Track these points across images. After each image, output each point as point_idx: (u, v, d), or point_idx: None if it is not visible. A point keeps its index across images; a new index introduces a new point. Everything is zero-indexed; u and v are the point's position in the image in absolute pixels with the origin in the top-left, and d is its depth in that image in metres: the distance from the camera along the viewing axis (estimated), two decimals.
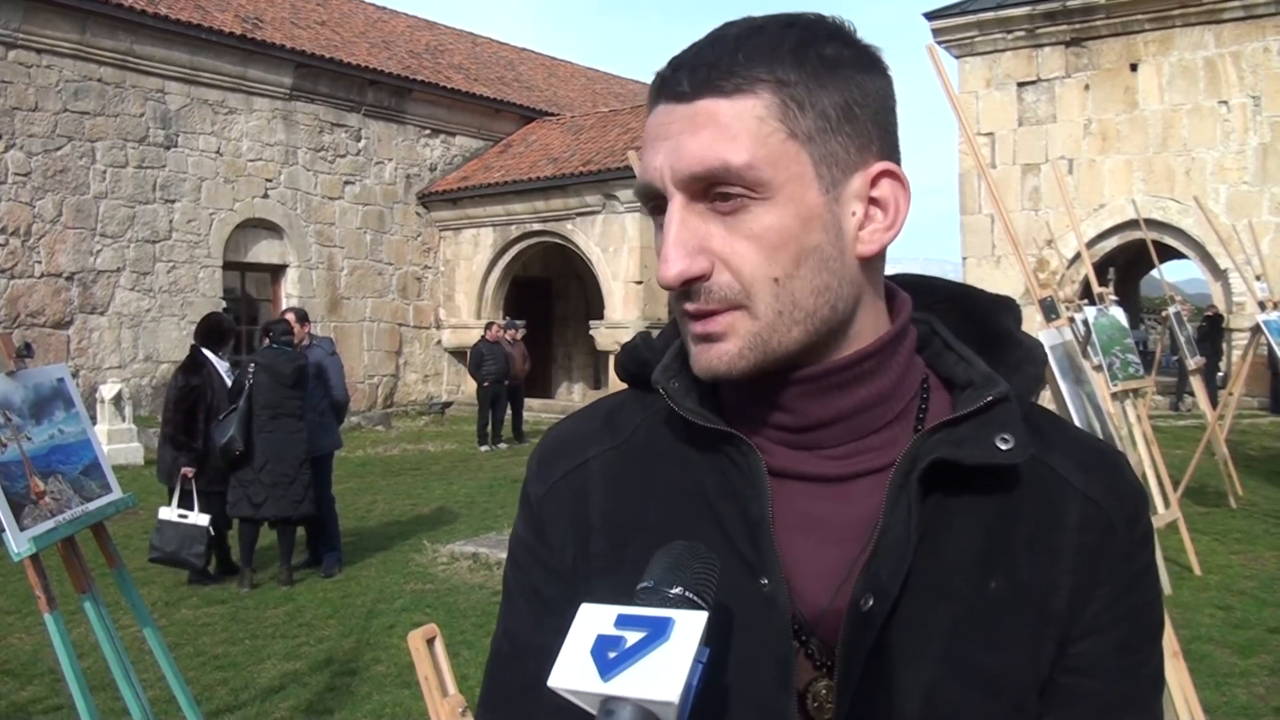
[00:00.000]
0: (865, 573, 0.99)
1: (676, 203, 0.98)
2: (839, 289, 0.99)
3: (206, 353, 8.51)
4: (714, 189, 0.96)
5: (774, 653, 1.00)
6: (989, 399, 1.02)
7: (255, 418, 8.15)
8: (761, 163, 0.95)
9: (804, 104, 0.96)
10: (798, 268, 0.97)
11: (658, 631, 0.83)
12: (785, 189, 0.96)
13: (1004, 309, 1.14)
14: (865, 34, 1.03)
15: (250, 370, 8.28)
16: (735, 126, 0.95)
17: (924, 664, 1.00)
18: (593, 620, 0.86)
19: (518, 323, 19.22)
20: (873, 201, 1.01)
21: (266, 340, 8.67)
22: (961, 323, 1.13)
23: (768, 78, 0.95)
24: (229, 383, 8.47)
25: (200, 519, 7.76)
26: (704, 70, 0.96)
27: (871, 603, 0.98)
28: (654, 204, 1.01)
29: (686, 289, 0.99)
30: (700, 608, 0.86)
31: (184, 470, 8.06)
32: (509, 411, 18.40)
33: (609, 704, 0.81)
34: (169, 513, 7.79)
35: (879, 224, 1.01)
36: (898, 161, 1.03)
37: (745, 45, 0.97)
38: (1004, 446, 1.00)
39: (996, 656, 1.00)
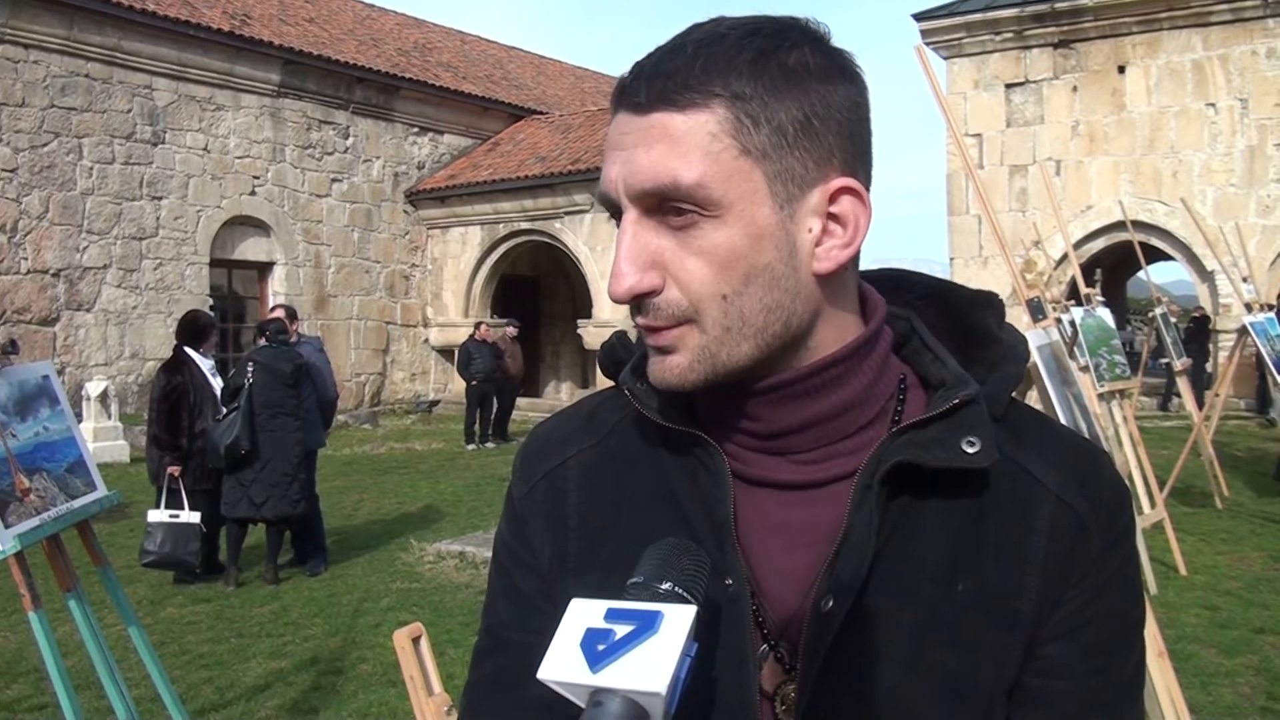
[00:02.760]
0: (828, 574, 0.99)
1: (629, 217, 0.97)
2: (791, 306, 0.98)
3: (189, 351, 8.47)
4: (666, 203, 0.95)
5: (738, 653, 1.00)
6: (956, 401, 1.01)
7: (255, 417, 8.12)
8: (711, 181, 0.93)
9: (759, 119, 0.94)
10: (746, 285, 0.96)
11: (646, 625, 0.84)
12: (735, 207, 0.94)
13: (984, 305, 1.13)
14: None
15: (249, 370, 8.25)
16: (687, 142, 0.94)
17: (888, 666, 0.99)
18: (582, 614, 0.87)
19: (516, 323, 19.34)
20: (831, 217, 0.98)
21: (263, 339, 8.63)
22: (941, 319, 1.12)
23: (722, 92, 0.94)
24: (212, 380, 8.44)
25: (192, 517, 7.74)
26: (660, 81, 0.95)
27: (831, 604, 0.98)
28: (614, 212, 1.01)
29: (638, 303, 0.99)
30: (689, 603, 0.87)
31: (170, 469, 8.03)
32: (496, 409, 18.41)
33: (598, 696, 0.82)
34: (159, 514, 7.76)
35: (837, 240, 0.99)
36: (866, 173, 1.01)
37: (703, 55, 0.95)
38: (970, 450, 0.99)
39: (962, 660, 0.99)
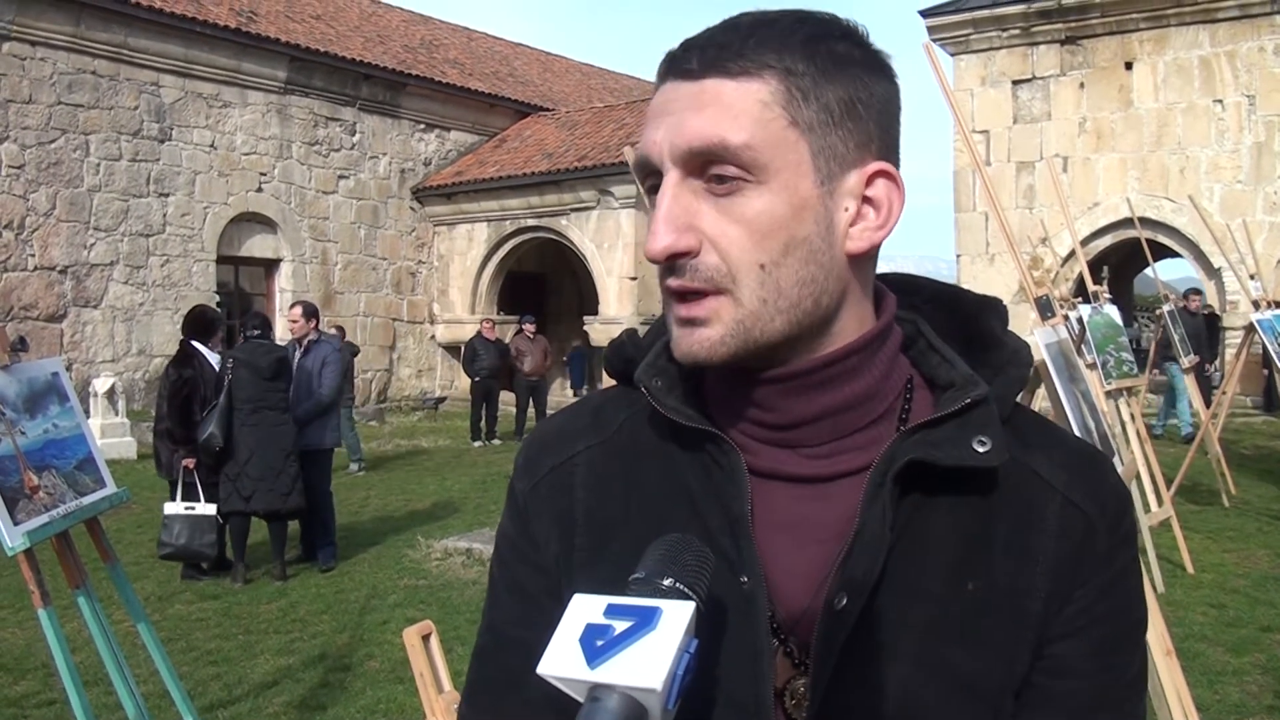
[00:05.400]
0: (840, 571, 0.99)
1: (671, 178, 0.98)
2: (824, 283, 0.99)
3: (197, 345, 8.50)
4: (710, 168, 0.96)
5: (752, 650, 1.00)
6: (968, 401, 1.02)
7: (237, 412, 8.15)
8: (760, 145, 0.95)
9: (809, 94, 0.96)
10: (785, 256, 0.97)
11: (645, 621, 0.84)
12: (780, 175, 0.96)
13: (990, 310, 1.14)
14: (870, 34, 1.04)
15: (229, 365, 8.28)
16: (738, 107, 0.95)
17: (899, 664, 0.99)
18: (583, 609, 0.87)
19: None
20: (866, 200, 1.00)
21: (243, 335, 8.68)
22: (947, 323, 1.13)
23: (776, 65, 0.96)
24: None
25: (207, 509, 7.78)
26: (713, 51, 0.97)
27: (845, 601, 0.98)
28: (651, 182, 1.01)
29: (672, 264, 0.99)
30: (690, 599, 0.87)
31: (185, 462, 8.05)
32: (531, 407, 18.41)
33: (595, 691, 0.82)
34: (175, 507, 7.80)
35: (871, 222, 1.01)
36: (897, 165, 1.03)
37: (757, 33, 0.97)
38: (981, 449, 1.00)
39: (971, 658, 1.00)
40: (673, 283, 0.99)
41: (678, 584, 0.88)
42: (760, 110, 0.95)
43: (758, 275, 0.97)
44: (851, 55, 0.99)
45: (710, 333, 0.99)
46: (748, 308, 0.97)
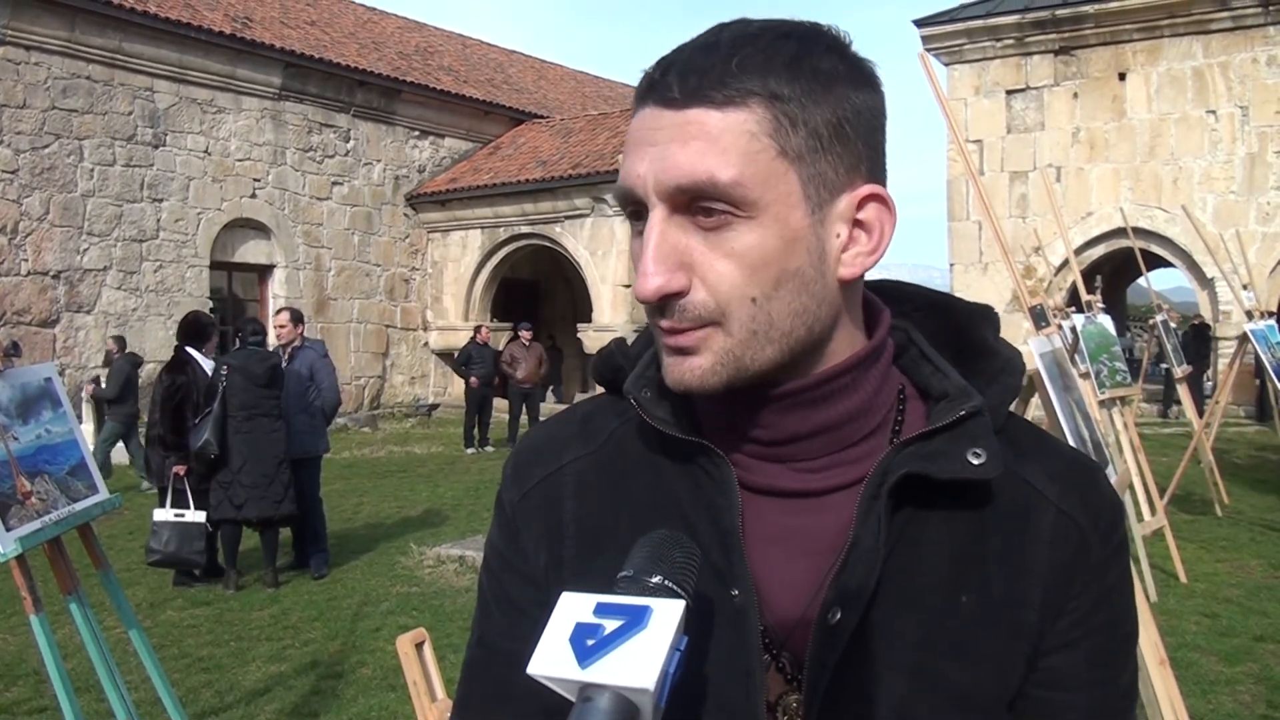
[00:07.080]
0: (834, 585, 0.99)
1: (658, 214, 0.95)
2: (817, 311, 0.97)
3: (190, 351, 8.48)
4: (697, 202, 0.93)
5: (743, 664, 0.99)
6: (962, 413, 1.01)
7: (231, 419, 8.12)
8: (749, 180, 0.92)
9: (796, 121, 0.93)
10: (777, 289, 0.95)
11: (635, 619, 0.84)
12: (771, 209, 0.93)
13: (982, 319, 1.12)
14: (853, 40, 1.00)
15: (223, 372, 8.26)
16: (725, 140, 0.92)
17: (893, 678, 0.99)
18: (572, 608, 0.87)
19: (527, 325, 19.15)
20: (858, 224, 0.98)
21: (238, 341, 8.65)
22: (939, 331, 1.11)
23: (761, 91, 0.92)
24: None
25: (197, 516, 7.75)
26: (695, 77, 0.93)
27: (839, 615, 0.97)
28: (633, 209, 0.98)
29: (662, 304, 0.96)
30: (679, 597, 0.87)
31: (176, 469, 8.03)
32: (525, 413, 18.36)
33: (587, 691, 0.81)
34: (164, 514, 7.77)
35: (862, 247, 0.99)
36: (884, 181, 1.01)
37: (739, 53, 0.93)
38: (976, 461, 0.99)
39: (967, 671, 0.99)
40: (664, 323, 0.97)
41: (666, 581, 0.87)
42: (748, 142, 0.92)
43: (749, 309, 0.95)
44: (836, 71, 0.95)
45: (701, 361, 0.97)
46: (737, 338, 0.95)
